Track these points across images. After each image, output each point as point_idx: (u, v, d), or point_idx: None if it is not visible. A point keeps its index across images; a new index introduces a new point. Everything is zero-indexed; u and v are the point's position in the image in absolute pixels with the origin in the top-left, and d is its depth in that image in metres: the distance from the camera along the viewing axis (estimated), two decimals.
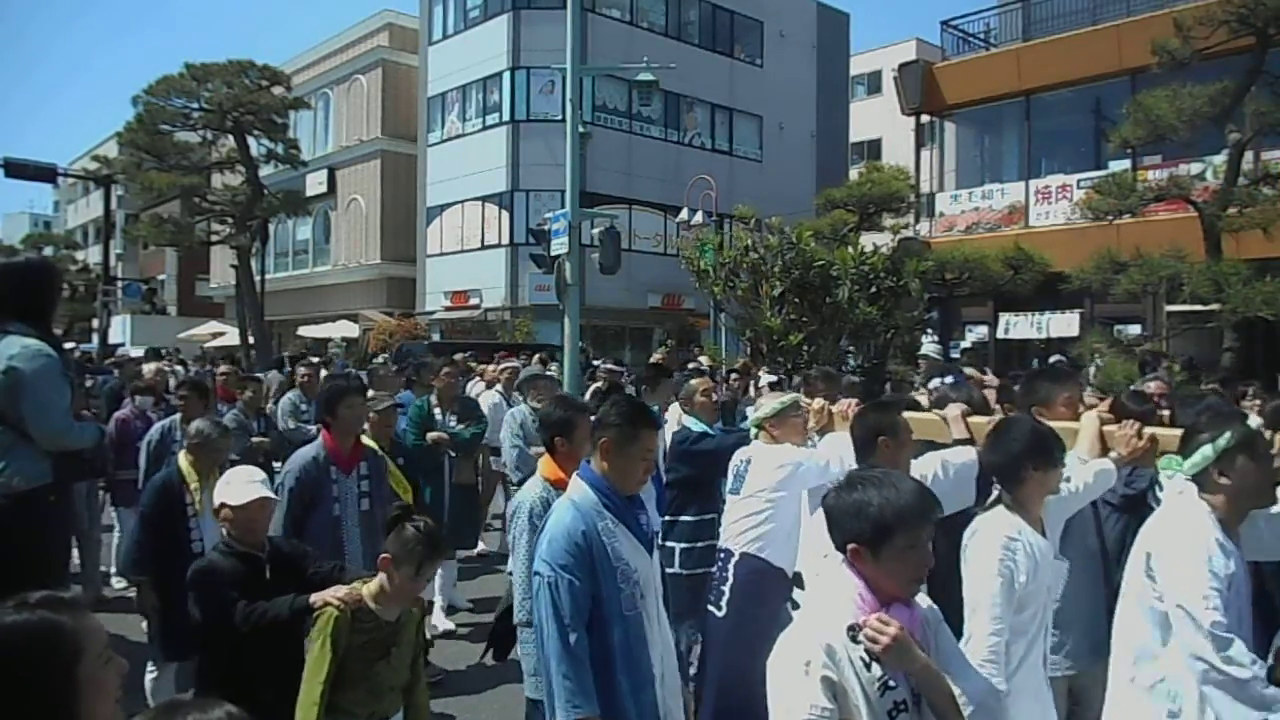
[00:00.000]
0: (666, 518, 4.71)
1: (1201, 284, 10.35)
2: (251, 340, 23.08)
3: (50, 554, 3.50)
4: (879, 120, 33.29)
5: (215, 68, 22.21)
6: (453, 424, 6.62)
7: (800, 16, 31.37)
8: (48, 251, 41.02)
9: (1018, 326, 17.80)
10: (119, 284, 27.48)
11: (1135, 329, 14.88)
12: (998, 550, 2.73)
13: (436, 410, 6.69)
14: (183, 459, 4.57)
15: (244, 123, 22.40)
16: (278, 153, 23.28)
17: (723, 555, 4.01)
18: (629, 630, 2.79)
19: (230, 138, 22.96)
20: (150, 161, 22.68)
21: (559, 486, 3.30)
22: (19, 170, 21.32)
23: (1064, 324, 16.73)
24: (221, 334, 29.85)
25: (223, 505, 3.27)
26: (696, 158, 27.11)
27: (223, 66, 22.28)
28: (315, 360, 12.60)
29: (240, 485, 3.29)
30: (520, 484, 5.89)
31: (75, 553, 6.93)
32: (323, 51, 34.24)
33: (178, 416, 6.22)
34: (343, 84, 32.04)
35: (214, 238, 24.63)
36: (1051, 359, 11.57)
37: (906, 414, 3.62)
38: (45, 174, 23.31)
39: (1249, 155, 11.87)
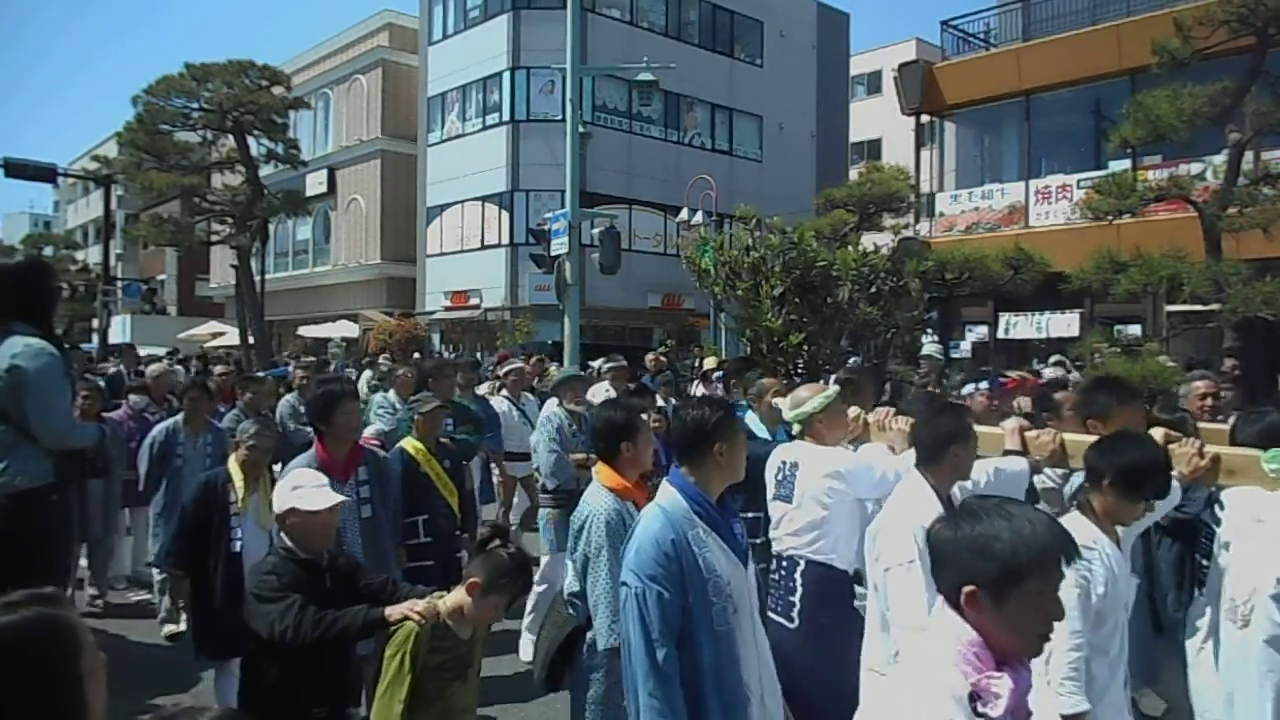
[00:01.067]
0: None
1: (1201, 284, 10.34)
2: (251, 340, 23.07)
3: (52, 553, 3.51)
4: (879, 120, 33.30)
5: (215, 68, 22.20)
6: (448, 427, 6.39)
7: (800, 16, 31.37)
8: (48, 251, 41.04)
9: (1018, 326, 17.80)
10: (119, 284, 27.50)
11: (1135, 329, 14.87)
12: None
13: None
14: (233, 460, 4.54)
15: (244, 123, 22.38)
16: (278, 153, 23.27)
17: (786, 564, 3.78)
18: (720, 647, 2.61)
19: (230, 138, 22.94)
20: (150, 161, 22.66)
21: (624, 495, 3.22)
22: (19, 170, 21.33)
23: (1064, 324, 16.73)
24: (221, 334, 29.84)
25: (290, 511, 3.03)
26: (696, 158, 27.10)
27: (223, 66, 22.27)
28: (312, 360, 12.49)
29: (312, 491, 3.08)
30: (555, 491, 5.72)
31: (84, 557, 6.80)
32: (323, 51, 34.25)
33: (180, 418, 6.16)
34: (343, 84, 32.04)
35: (214, 238, 24.61)
36: (1051, 359, 11.57)
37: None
38: (45, 174, 23.32)
39: (1249, 155, 11.86)
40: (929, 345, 11.15)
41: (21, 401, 3.31)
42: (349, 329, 28.58)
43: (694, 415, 2.78)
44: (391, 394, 7.93)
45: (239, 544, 4.33)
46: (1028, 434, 3.55)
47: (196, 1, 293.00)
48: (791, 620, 3.69)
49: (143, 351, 16.72)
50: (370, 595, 3.11)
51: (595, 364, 12.94)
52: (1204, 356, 11.06)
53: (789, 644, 3.63)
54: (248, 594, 3.00)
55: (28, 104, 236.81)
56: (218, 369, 10.00)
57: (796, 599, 3.69)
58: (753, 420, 4.76)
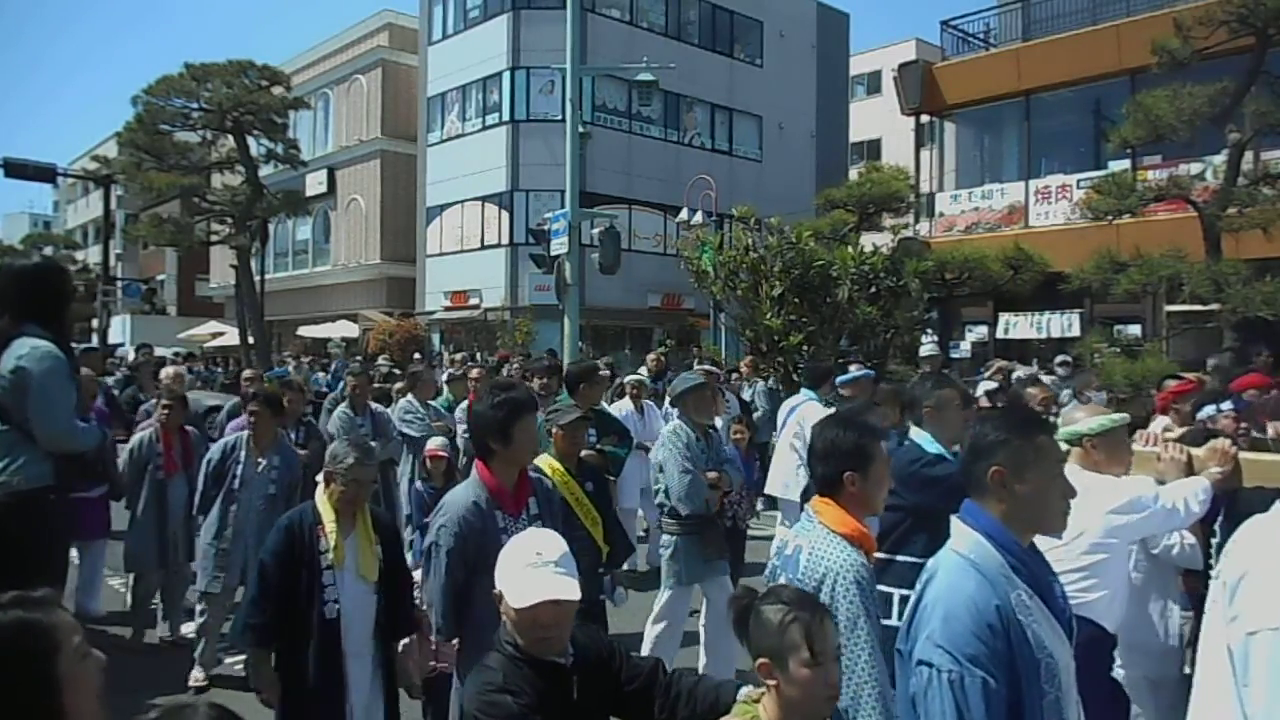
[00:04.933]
0: (879, 555, 3.84)
1: (1201, 284, 10.36)
2: (251, 340, 23.09)
3: (50, 554, 3.52)
4: (879, 120, 33.30)
5: (215, 68, 22.23)
6: (592, 439, 5.70)
7: (800, 16, 31.38)
8: (47, 251, 41.04)
9: (1018, 326, 17.81)
10: (119, 284, 27.48)
11: (1135, 329, 14.88)
12: None
13: None
14: (320, 493, 3.55)
15: (244, 123, 22.41)
16: (277, 153, 23.29)
17: None
18: None
19: (230, 138, 22.97)
20: (150, 161, 22.69)
21: (859, 543, 2.52)
22: (19, 170, 21.32)
23: (1064, 324, 16.74)
24: (221, 334, 29.90)
25: (500, 598, 2.18)
26: (696, 158, 27.11)
27: (222, 66, 22.30)
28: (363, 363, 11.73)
29: (520, 576, 2.14)
30: (687, 520, 4.94)
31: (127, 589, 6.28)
32: (323, 51, 34.26)
33: (244, 434, 5.36)
34: (343, 84, 32.05)
35: (214, 238, 24.64)
36: (1057, 359, 11.56)
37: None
38: (45, 174, 23.31)
39: (1249, 155, 11.87)
40: (927, 345, 11.14)
41: (24, 403, 3.32)
42: (349, 329, 28.58)
43: (977, 431, 2.14)
44: (411, 397, 7.63)
45: (334, 606, 3.37)
46: None
47: (196, 1, 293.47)
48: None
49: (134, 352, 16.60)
50: (640, 695, 2.25)
51: (603, 361, 12.93)
52: (1203, 356, 11.05)
53: None
54: (467, 717, 2.16)
55: (28, 104, 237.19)
56: (247, 372, 9.33)
57: None
58: (922, 436, 3.98)
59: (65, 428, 3.43)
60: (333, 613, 3.35)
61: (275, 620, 3.36)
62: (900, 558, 3.66)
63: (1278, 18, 10.94)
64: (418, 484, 6.01)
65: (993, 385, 8.40)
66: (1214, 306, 10.73)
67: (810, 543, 2.53)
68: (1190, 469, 3.24)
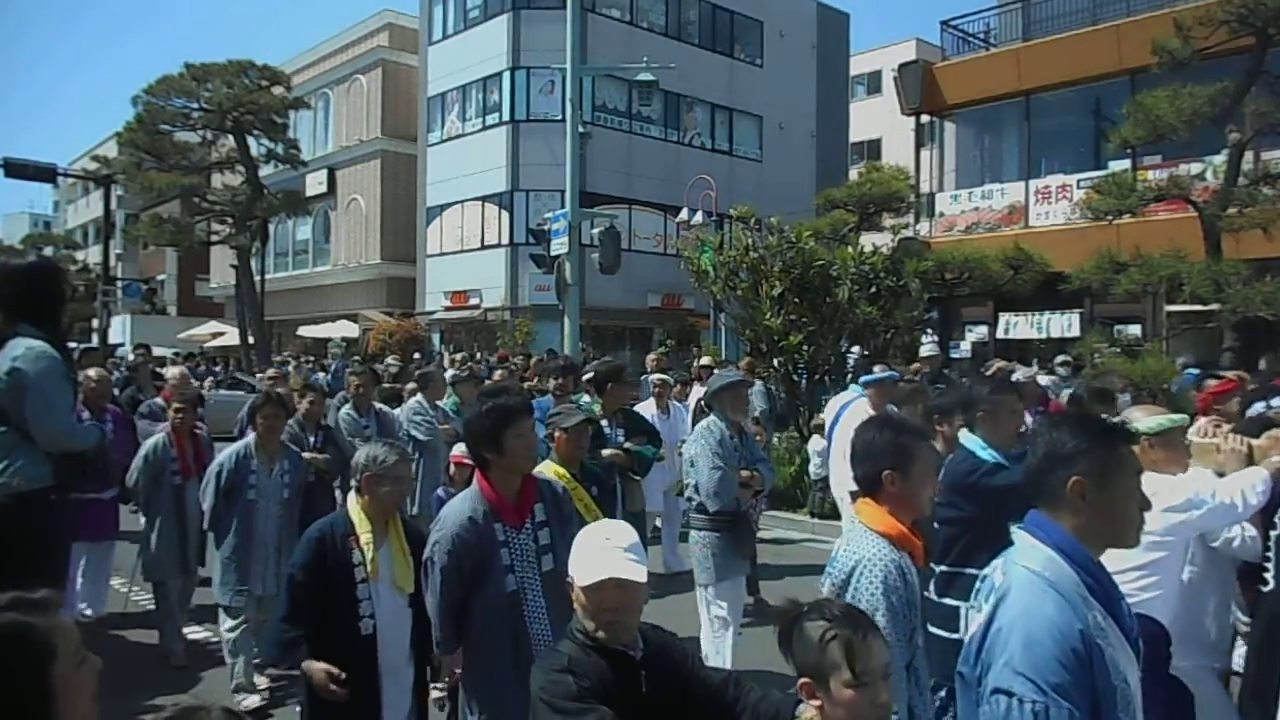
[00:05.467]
0: (944, 567, 3.70)
1: (1201, 284, 10.37)
2: (251, 340, 23.12)
3: (51, 555, 3.51)
4: (879, 120, 33.32)
5: (215, 68, 22.29)
6: (619, 439, 5.66)
7: (800, 16, 31.39)
8: (47, 251, 41.09)
9: (1018, 326, 17.82)
10: (119, 284, 27.49)
11: (1135, 329, 14.89)
12: None
13: (604, 423, 5.56)
14: (353, 501, 3.34)
15: (244, 123, 22.46)
16: (278, 153, 23.35)
17: None
18: None
19: (230, 138, 23.04)
20: (150, 161, 22.76)
21: (900, 543, 2.48)
22: (19, 170, 21.32)
23: (1064, 324, 16.76)
24: (221, 334, 29.94)
25: (610, 585, 2.13)
26: (696, 158, 27.11)
27: (223, 66, 22.36)
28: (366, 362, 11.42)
29: (587, 556, 2.16)
30: (715, 515, 4.93)
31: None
32: (323, 51, 34.27)
33: (251, 439, 5.18)
34: (343, 84, 32.06)
35: (214, 238, 24.71)
36: (1058, 359, 11.56)
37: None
38: (45, 174, 23.31)
39: (1249, 155, 11.89)
40: (927, 345, 11.13)
41: (21, 404, 3.31)
42: (349, 329, 28.60)
43: (1054, 438, 1.99)
44: (421, 398, 7.48)
45: (370, 621, 3.20)
46: None
47: (196, 1, 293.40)
48: None
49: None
50: (708, 703, 2.23)
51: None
52: (1204, 357, 11.06)
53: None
54: (534, 699, 2.11)
55: (28, 104, 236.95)
56: (270, 372, 8.93)
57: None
58: (973, 440, 3.79)
59: (63, 427, 3.43)
60: (368, 629, 3.18)
61: (309, 635, 3.17)
62: (969, 570, 3.49)
63: (1278, 18, 10.96)
64: (439, 491, 5.78)
65: None
66: (1214, 306, 10.74)
67: (848, 539, 2.53)
68: (1251, 459, 3.28)
